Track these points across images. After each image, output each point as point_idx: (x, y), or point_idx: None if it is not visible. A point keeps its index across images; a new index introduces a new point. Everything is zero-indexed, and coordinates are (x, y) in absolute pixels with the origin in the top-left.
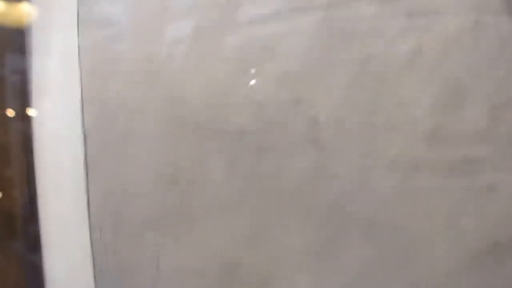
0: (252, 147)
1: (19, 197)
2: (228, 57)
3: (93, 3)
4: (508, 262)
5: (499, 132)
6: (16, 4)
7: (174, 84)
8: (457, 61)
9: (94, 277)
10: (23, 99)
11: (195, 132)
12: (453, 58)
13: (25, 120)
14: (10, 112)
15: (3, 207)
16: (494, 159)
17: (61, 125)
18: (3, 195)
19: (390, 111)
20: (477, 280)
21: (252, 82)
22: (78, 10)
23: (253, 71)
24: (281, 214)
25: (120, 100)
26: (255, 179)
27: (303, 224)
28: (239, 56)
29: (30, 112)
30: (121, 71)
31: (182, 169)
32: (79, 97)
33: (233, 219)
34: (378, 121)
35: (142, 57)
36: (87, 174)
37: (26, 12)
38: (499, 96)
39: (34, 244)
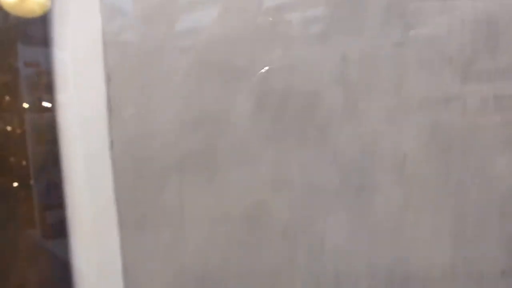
0: (279, 87)
1: (41, 140)
2: None
3: None
4: None
5: None
6: None
7: (198, 24)
8: None
9: (119, 223)
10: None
11: (220, 73)
12: None
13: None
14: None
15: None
16: None
17: (84, 69)
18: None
19: (421, 46)
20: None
21: (278, 21)
22: None
23: (279, 11)
24: (307, 157)
25: (142, 41)
26: (281, 121)
27: (330, 167)
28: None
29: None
30: (142, 11)
31: (207, 112)
32: (101, 38)
33: (258, 163)
34: (409, 57)
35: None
36: (110, 119)
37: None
38: None
39: (56, 190)
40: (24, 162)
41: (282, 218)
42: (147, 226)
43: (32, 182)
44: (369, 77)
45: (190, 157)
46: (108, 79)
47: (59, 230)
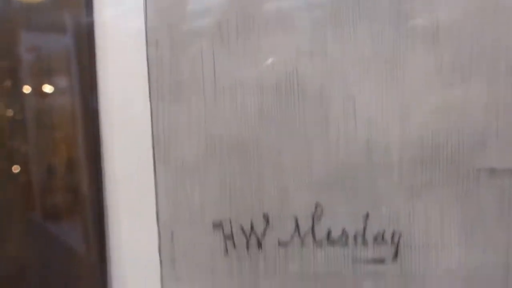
0: None
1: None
2: None
3: None
4: None
5: None
6: None
7: None
8: None
9: (150, 95)
10: None
11: None
12: None
13: None
14: None
15: None
16: None
17: None
18: None
19: None
20: None
21: None
22: None
23: None
24: (344, 24)
25: None
26: None
27: (367, 31)
28: None
29: None
30: None
31: None
32: None
33: (294, 33)
34: None
35: None
36: None
37: None
38: None
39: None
40: None
41: (315, 88)
42: (179, 96)
43: None
44: None
45: (225, 26)
46: None
47: None
